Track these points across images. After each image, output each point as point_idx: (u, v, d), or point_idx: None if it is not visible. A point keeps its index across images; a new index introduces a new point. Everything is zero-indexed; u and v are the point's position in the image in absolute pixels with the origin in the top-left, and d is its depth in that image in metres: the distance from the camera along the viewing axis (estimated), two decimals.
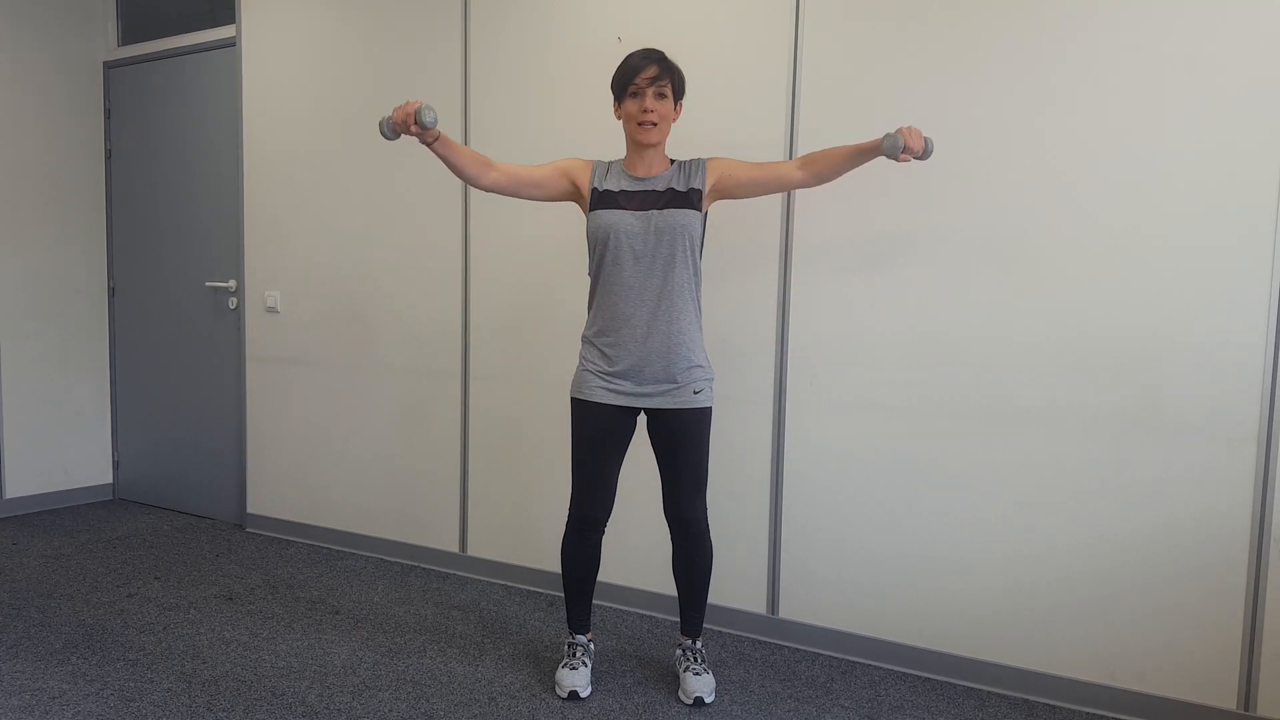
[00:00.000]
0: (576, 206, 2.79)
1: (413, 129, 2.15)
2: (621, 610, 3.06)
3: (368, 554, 3.63)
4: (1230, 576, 2.24)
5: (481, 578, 3.36)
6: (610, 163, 2.42)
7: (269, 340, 3.85)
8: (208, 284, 4.06)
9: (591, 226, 2.34)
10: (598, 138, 2.99)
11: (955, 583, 2.55)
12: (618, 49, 2.93)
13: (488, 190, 2.37)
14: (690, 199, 2.31)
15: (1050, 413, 2.41)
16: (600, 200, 2.34)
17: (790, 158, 2.70)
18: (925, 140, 2.15)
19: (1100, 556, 2.37)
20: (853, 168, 2.27)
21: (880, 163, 2.56)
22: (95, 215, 4.38)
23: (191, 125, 4.07)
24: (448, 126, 3.30)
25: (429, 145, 2.23)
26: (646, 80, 2.26)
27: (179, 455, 4.25)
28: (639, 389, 2.33)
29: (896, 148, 2.11)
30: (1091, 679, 2.40)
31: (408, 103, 2.14)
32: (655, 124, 2.28)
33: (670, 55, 2.34)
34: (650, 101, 2.27)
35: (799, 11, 2.67)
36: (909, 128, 2.12)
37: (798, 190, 2.68)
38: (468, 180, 2.34)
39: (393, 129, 2.16)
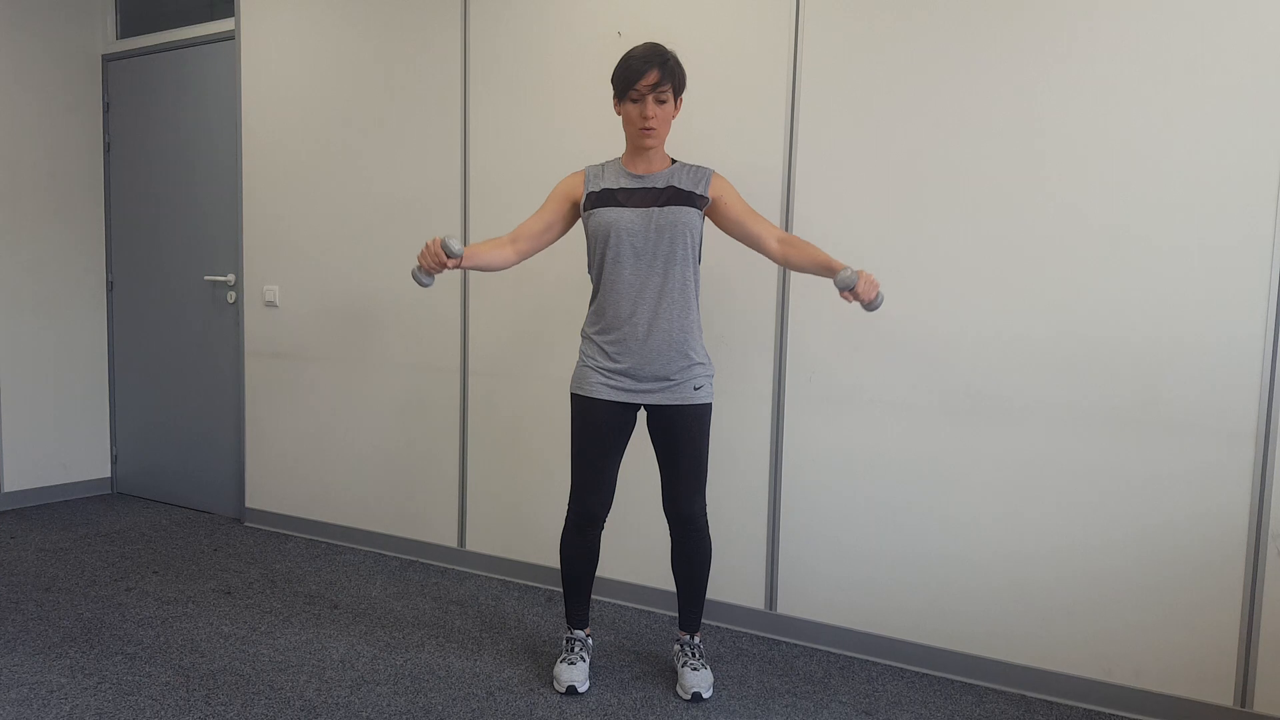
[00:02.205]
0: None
1: (448, 264, 2.19)
2: (620, 605, 3.06)
3: (366, 549, 3.64)
4: (1228, 573, 2.25)
5: (480, 573, 3.37)
6: (605, 163, 2.41)
7: (268, 335, 3.85)
8: (206, 278, 4.05)
9: (591, 224, 2.34)
10: (597, 131, 2.99)
11: (953, 579, 2.56)
12: (618, 43, 2.93)
13: (520, 262, 2.42)
14: (693, 199, 2.31)
15: (1048, 411, 2.41)
16: (599, 199, 2.34)
17: (789, 152, 2.70)
18: (877, 294, 2.16)
19: (1098, 553, 2.37)
20: (815, 274, 2.28)
21: (882, 161, 2.57)
22: (94, 209, 4.38)
23: (190, 119, 4.06)
24: (447, 122, 3.30)
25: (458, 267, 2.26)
26: (648, 86, 2.25)
27: (177, 449, 4.24)
28: (639, 385, 2.34)
29: (848, 284, 2.13)
30: (1089, 675, 2.40)
31: (428, 244, 2.18)
32: (655, 129, 2.28)
33: (670, 46, 2.34)
34: (651, 108, 2.26)
35: (799, 6, 2.67)
36: (869, 277, 2.14)
37: (798, 189, 2.69)
38: (501, 268, 2.38)
39: (428, 274, 2.21)
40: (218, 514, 4.13)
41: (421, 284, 2.22)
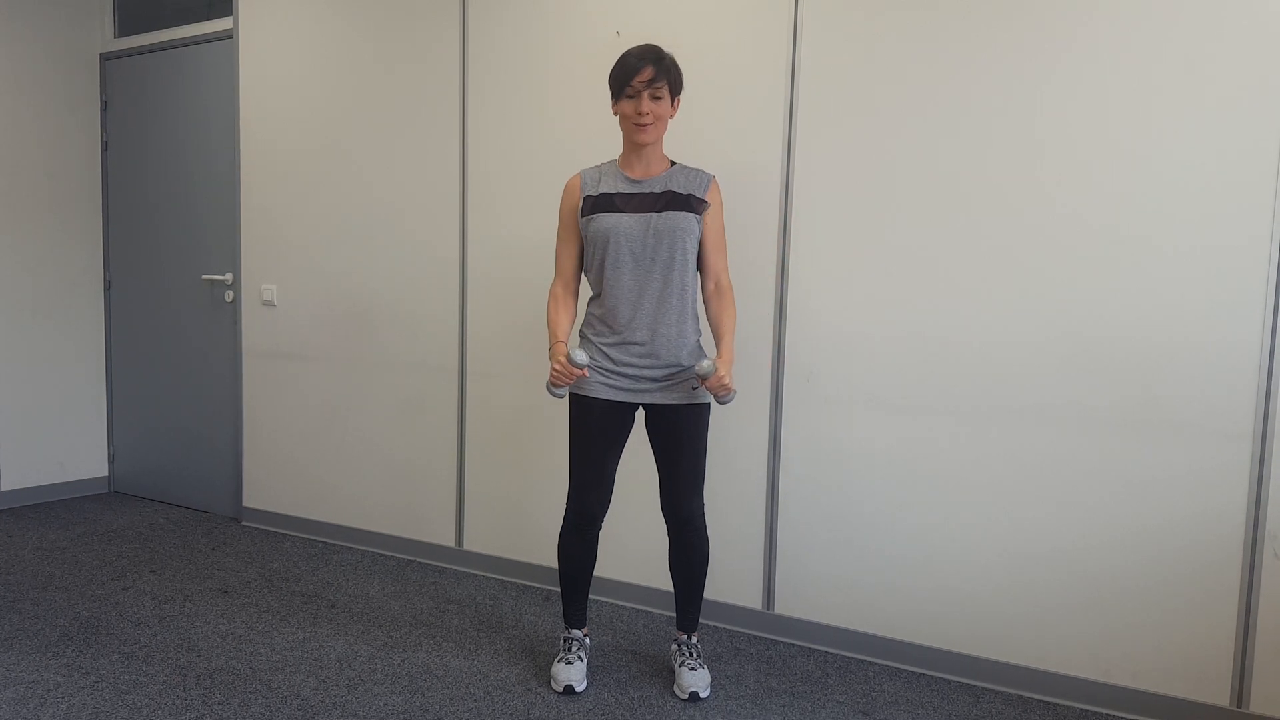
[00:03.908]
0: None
1: (584, 374, 2.27)
2: (617, 605, 3.06)
3: (364, 548, 3.63)
4: (1225, 573, 2.25)
5: (478, 572, 3.36)
6: (601, 165, 2.41)
7: (265, 334, 3.84)
8: (204, 277, 4.05)
9: (590, 230, 2.34)
10: (596, 132, 2.99)
11: (951, 579, 2.56)
12: (617, 43, 2.93)
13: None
14: (690, 204, 2.31)
15: (1046, 411, 2.41)
16: (597, 204, 2.34)
17: (787, 151, 2.70)
18: (727, 394, 2.25)
19: (1096, 554, 2.38)
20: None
21: (881, 160, 2.58)
22: (91, 208, 4.37)
23: (188, 118, 4.06)
24: (445, 121, 3.30)
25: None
26: (643, 83, 2.26)
27: (175, 448, 4.24)
28: (638, 385, 2.34)
29: (703, 373, 2.20)
30: (1086, 675, 2.41)
31: (556, 368, 2.25)
32: (650, 125, 2.28)
33: (668, 49, 2.34)
34: (646, 104, 2.27)
35: (798, 5, 2.67)
36: (724, 380, 2.21)
37: (796, 188, 2.69)
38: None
39: (561, 388, 2.29)
40: (215, 513, 4.13)
41: (558, 396, 2.33)
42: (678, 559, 2.45)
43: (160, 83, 4.15)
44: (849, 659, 2.68)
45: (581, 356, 2.22)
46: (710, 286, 2.40)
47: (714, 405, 2.81)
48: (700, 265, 2.40)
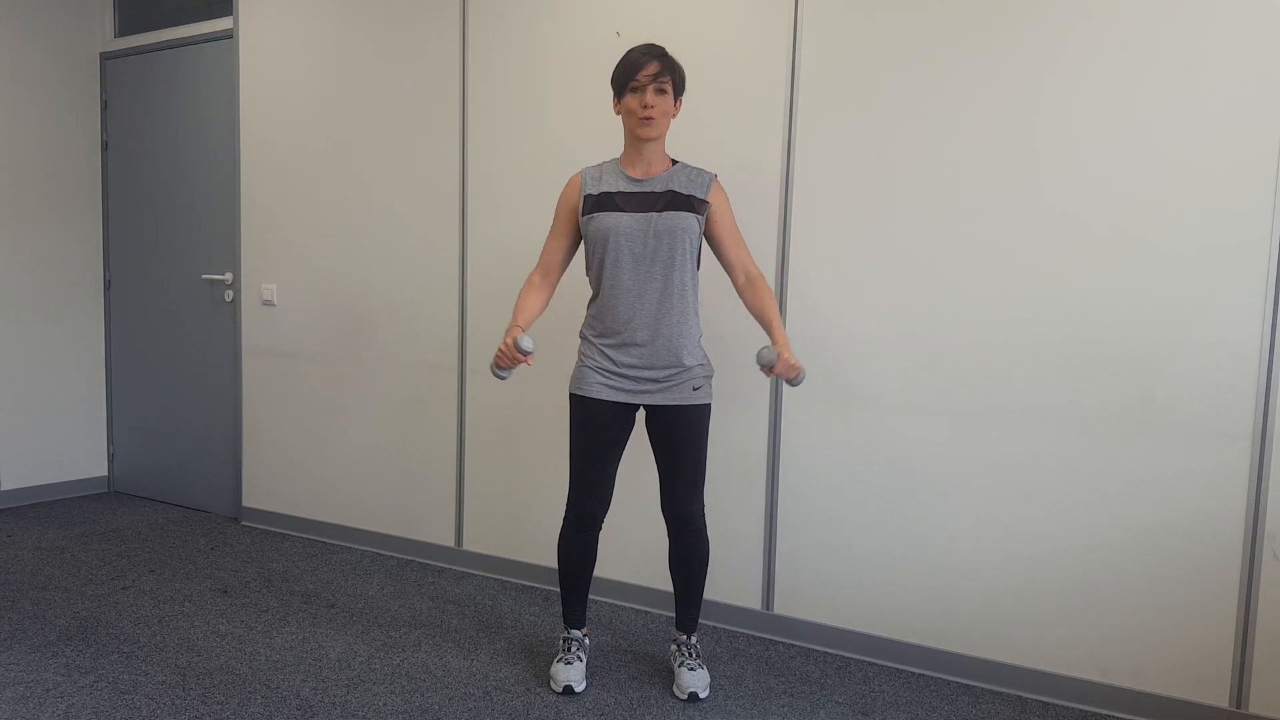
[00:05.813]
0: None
1: (527, 361, 2.26)
2: (617, 605, 3.06)
3: (363, 548, 3.63)
4: (1224, 575, 2.25)
5: (477, 572, 3.36)
6: (603, 164, 2.41)
7: (265, 334, 3.84)
8: (204, 277, 4.05)
9: (591, 229, 2.34)
10: (596, 131, 2.99)
11: (950, 580, 2.56)
12: (617, 43, 2.93)
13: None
14: (691, 204, 2.31)
15: (1046, 412, 2.41)
16: (598, 203, 2.34)
17: (788, 150, 2.70)
18: (798, 375, 2.23)
19: (1095, 554, 2.38)
20: (759, 323, 2.37)
21: (880, 159, 2.58)
22: (91, 207, 4.37)
23: (188, 117, 4.06)
24: (445, 121, 3.30)
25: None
26: (648, 77, 2.26)
27: (174, 448, 4.24)
28: (638, 385, 2.34)
29: (766, 362, 2.19)
30: (1085, 676, 2.41)
31: (501, 349, 2.25)
32: (655, 119, 2.28)
33: (670, 49, 2.34)
34: (651, 97, 2.27)
35: (798, 5, 2.67)
36: (790, 361, 2.20)
37: (796, 186, 2.69)
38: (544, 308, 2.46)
39: (505, 370, 2.29)
40: (215, 513, 4.13)
41: (502, 378, 2.33)
42: (677, 559, 2.45)
43: (160, 82, 4.15)
44: (848, 659, 2.68)
45: (527, 343, 2.21)
46: (741, 279, 2.39)
47: (714, 406, 2.82)
48: (725, 262, 2.40)
